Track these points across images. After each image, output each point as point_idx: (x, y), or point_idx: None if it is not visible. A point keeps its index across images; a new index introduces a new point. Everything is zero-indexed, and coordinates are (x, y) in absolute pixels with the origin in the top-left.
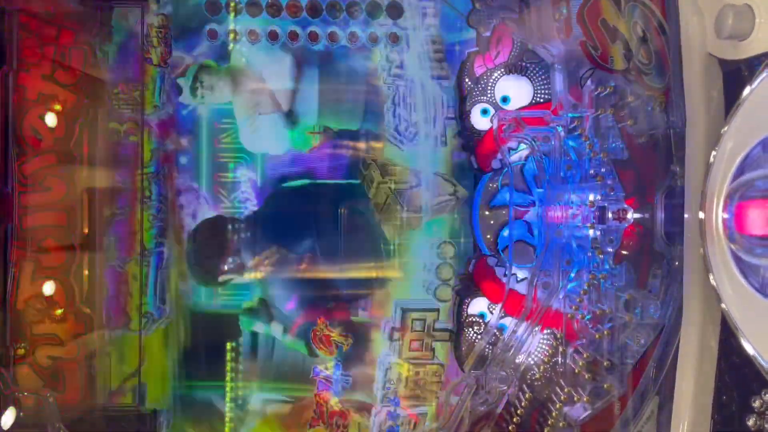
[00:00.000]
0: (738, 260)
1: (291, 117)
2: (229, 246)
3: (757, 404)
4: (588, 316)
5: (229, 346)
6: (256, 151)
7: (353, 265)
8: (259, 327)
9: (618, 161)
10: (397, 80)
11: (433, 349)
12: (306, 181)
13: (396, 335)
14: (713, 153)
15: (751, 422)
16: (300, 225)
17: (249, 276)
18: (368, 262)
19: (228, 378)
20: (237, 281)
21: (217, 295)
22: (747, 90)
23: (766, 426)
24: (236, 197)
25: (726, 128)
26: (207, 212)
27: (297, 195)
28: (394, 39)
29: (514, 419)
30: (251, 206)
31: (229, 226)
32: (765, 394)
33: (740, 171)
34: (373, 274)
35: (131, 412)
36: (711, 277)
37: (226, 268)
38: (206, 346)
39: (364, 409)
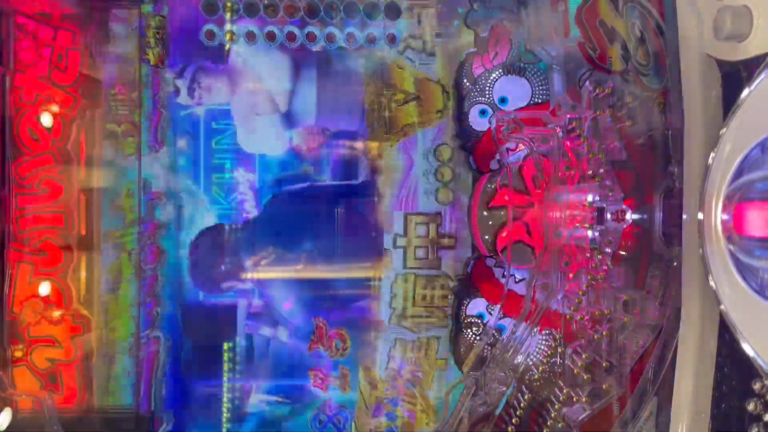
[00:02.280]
0: (737, 262)
1: (289, 118)
2: (231, 253)
3: (753, 405)
4: (587, 317)
5: (226, 346)
6: (254, 152)
7: (352, 264)
8: (266, 330)
9: (616, 162)
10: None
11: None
12: (305, 183)
13: (400, 241)
14: (712, 154)
15: (753, 425)
16: (301, 227)
17: (251, 280)
18: (367, 261)
19: (226, 378)
20: (240, 287)
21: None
22: (745, 91)
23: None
24: (234, 198)
25: (724, 129)
26: (206, 216)
27: (297, 198)
28: (392, 39)
29: (514, 420)
30: (250, 208)
31: (230, 234)
32: (764, 394)
33: (739, 172)
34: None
35: (129, 414)
36: (710, 278)
37: (228, 275)
38: (204, 347)
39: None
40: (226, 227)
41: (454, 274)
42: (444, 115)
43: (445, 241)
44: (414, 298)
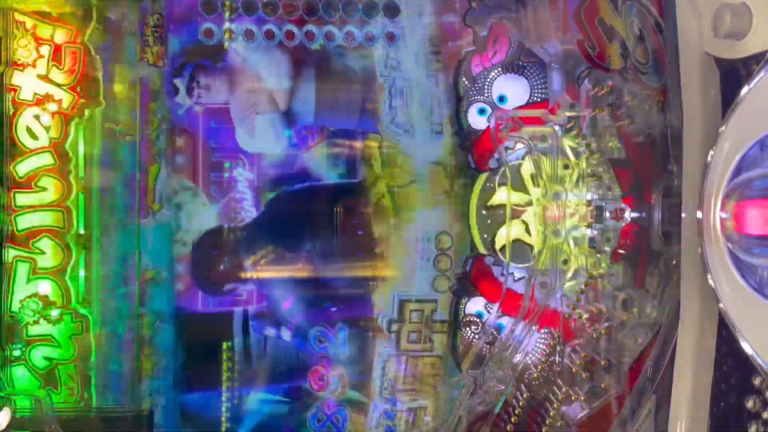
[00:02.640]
0: (736, 260)
1: (288, 116)
2: (233, 255)
3: (753, 402)
4: (585, 316)
5: (225, 345)
6: (253, 151)
7: (352, 264)
8: (269, 331)
9: (615, 160)
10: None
11: (431, 341)
12: (305, 184)
13: (394, 327)
14: (711, 152)
15: (752, 424)
16: (301, 227)
17: (252, 281)
18: (366, 261)
19: (225, 377)
20: (241, 288)
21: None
22: (744, 89)
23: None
24: (233, 197)
25: (723, 128)
26: (205, 215)
27: (297, 198)
28: (391, 38)
29: (512, 419)
30: (248, 207)
31: (232, 235)
32: (763, 391)
33: (738, 170)
34: (370, 272)
35: (127, 413)
36: (709, 276)
37: (230, 276)
38: (203, 346)
39: (362, 409)
40: (226, 229)
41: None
42: None
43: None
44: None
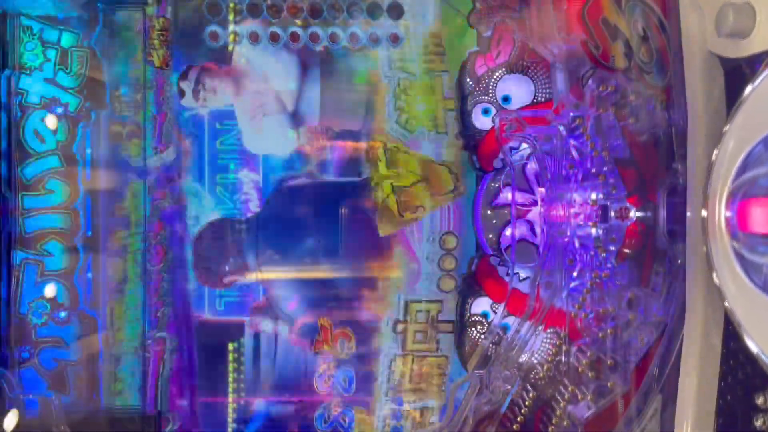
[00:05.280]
0: (741, 258)
1: (295, 118)
2: (234, 248)
3: (760, 401)
4: (591, 315)
5: (231, 346)
6: (260, 153)
7: (356, 263)
8: (267, 326)
9: (620, 160)
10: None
11: (437, 341)
12: (308, 180)
13: (399, 327)
14: (715, 151)
15: (759, 422)
16: (304, 224)
17: (253, 277)
18: (371, 260)
19: (231, 378)
20: (242, 282)
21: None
22: (749, 88)
23: None
24: (239, 199)
25: (728, 126)
26: (210, 217)
27: (300, 195)
28: (395, 39)
29: (518, 418)
30: (254, 208)
31: (233, 228)
32: None
33: (743, 169)
34: (376, 272)
35: (135, 414)
36: (714, 275)
37: (230, 269)
38: (209, 347)
39: (369, 410)
40: (229, 222)
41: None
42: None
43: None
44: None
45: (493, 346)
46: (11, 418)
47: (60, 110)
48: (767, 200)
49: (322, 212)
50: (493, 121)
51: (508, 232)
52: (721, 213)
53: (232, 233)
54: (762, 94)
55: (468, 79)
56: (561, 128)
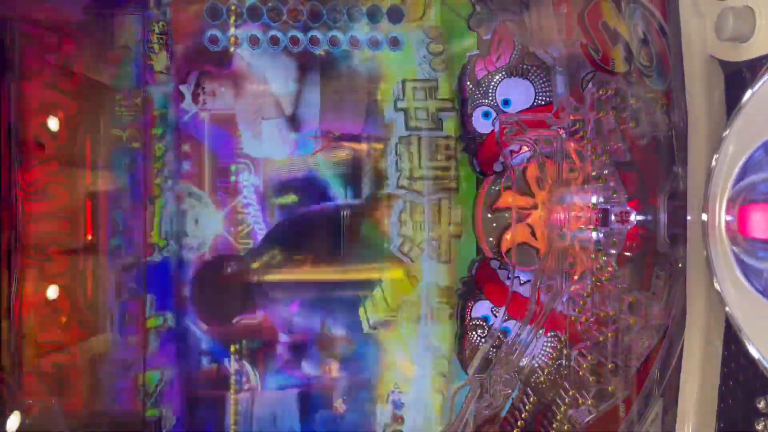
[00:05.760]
0: (741, 263)
1: (294, 121)
2: (237, 285)
3: (761, 405)
4: (592, 319)
5: (233, 348)
6: (259, 156)
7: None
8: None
9: (620, 163)
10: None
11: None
12: (306, 208)
13: None
14: (715, 156)
15: (760, 427)
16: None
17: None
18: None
19: (232, 381)
20: (249, 320)
21: None
22: (748, 93)
23: None
24: (239, 202)
25: (728, 131)
26: (211, 221)
27: (299, 224)
28: (395, 43)
29: (519, 422)
30: (255, 212)
31: (233, 264)
32: None
33: (742, 174)
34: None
35: (135, 418)
36: (714, 279)
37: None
38: (210, 350)
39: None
40: (229, 258)
41: None
42: None
43: None
44: None
45: (494, 350)
46: (13, 422)
47: (60, 115)
48: (767, 205)
49: (324, 230)
50: (494, 125)
51: (508, 235)
52: (722, 217)
53: (232, 269)
54: (762, 99)
55: (468, 83)
56: (561, 132)
